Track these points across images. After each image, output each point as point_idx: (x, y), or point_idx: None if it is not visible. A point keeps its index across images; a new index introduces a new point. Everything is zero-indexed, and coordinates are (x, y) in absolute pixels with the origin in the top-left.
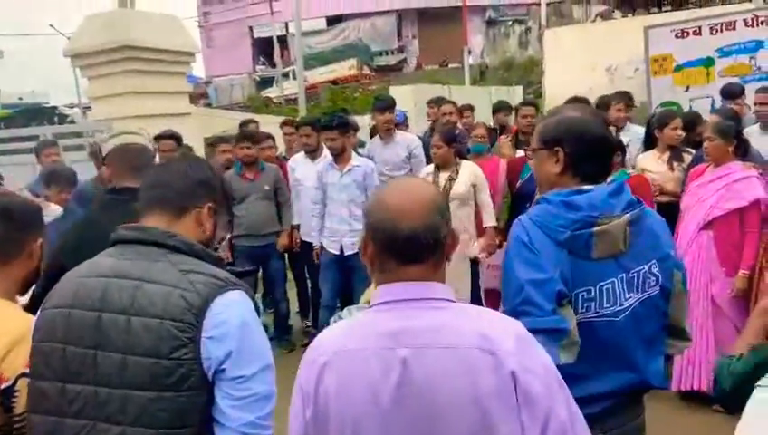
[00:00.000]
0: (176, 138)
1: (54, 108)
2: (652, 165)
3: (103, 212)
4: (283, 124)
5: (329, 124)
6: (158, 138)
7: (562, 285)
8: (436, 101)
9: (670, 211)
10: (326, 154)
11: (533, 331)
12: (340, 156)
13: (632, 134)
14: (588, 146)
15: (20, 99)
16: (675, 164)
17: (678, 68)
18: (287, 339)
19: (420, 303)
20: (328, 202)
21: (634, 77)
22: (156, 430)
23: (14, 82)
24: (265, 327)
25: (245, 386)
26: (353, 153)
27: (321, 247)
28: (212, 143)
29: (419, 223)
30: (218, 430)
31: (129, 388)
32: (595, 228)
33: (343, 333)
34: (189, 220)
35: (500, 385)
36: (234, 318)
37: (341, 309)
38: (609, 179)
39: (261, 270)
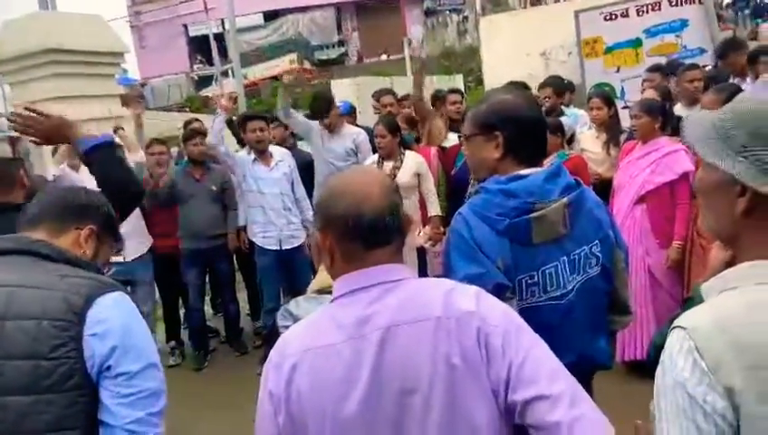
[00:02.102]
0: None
1: None
2: (590, 145)
3: None
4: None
5: (252, 115)
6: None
7: (502, 277)
8: (381, 93)
9: (603, 188)
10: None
11: None
12: (264, 151)
13: (569, 117)
14: (525, 129)
15: None
16: (611, 148)
17: (609, 50)
18: (239, 342)
19: (385, 286)
20: (261, 197)
21: (568, 61)
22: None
23: None
24: (216, 331)
25: (133, 383)
26: (273, 147)
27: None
28: (148, 145)
29: (383, 205)
30: (104, 432)
31: (5, 394)
32: (532, 214)
33: (309, 331)
34: (68, 239)
35: (468, 346)
36: (116, 317)
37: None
38: (548, 161)
39: (208, 273)
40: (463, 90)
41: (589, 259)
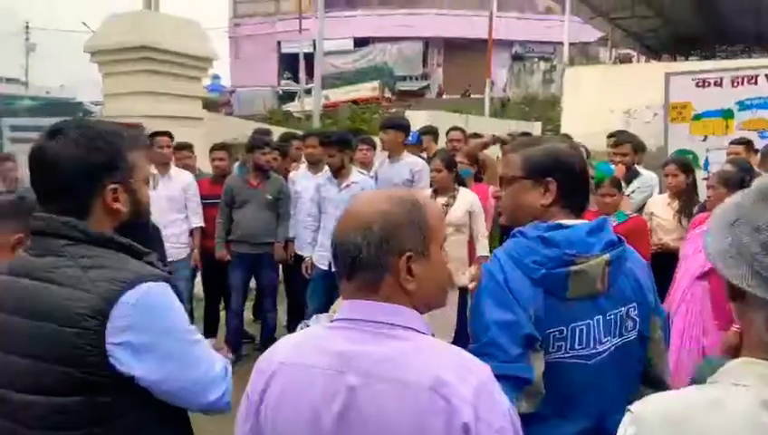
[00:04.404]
0: (170, 135)
1: (80, 103)
2: (660, 210)
3: None
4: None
5: (327, 139)
6: (152, 135)
7: (532, 328)
8: (426, 131)
9: (668, 258)
10: (327, 169)
11: (495, 376)
12: (338, 171)
13: (642, 180)
14: (577, 179)
15: (47, 92)
16: (683, 218)
17: (697, 117)
18: None
19: (374, 326)
20: (323, 217)
21: (652, 122)
22: (78, 431)
23: (45, 75)
24: (253, 338)
25: (164, 390)
26: (353, 170)
27: (312, 263)
28: (213, 148)
29: (338, 238)
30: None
31: (36, 393)
32: (571, 267)
33: (296, 345)
34: (97, 213)
35: (448, 433)
36: (139, 319)
37: None
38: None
39: (254, 279)
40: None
41: (625, 322)
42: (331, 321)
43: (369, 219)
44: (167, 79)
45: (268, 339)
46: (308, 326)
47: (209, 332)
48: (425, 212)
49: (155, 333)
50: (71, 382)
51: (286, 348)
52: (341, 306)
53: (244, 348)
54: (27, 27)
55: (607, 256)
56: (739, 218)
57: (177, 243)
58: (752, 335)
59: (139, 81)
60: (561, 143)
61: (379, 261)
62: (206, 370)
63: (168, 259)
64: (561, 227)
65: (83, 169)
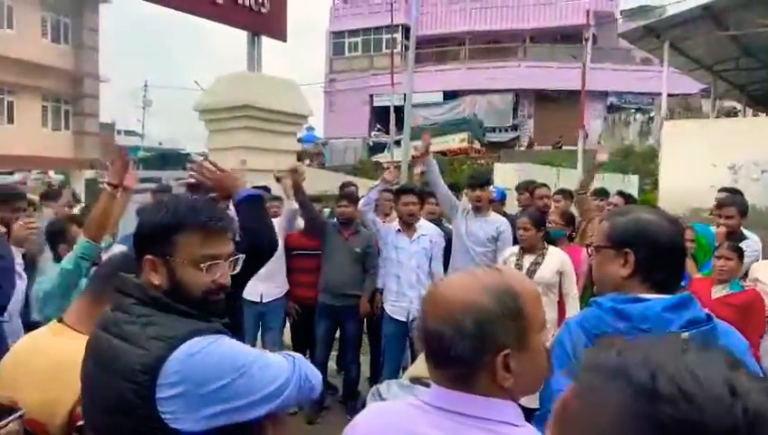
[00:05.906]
0: (267, 189)
1: (187, 155)
2: (766, 276)
3: None
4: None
5: (406, 189)
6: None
7: None
8: (526, 186)
9: None
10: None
11: None
12: (411, 223)
13: (748, 243)
14: (661, 253)
15: (159, 144)
16: None
17: None
18: (353, 405)
19: (464, 418)
20: (398, 266)
21: (761, 179)
22: None
23: (158, 128)
24: (336, 389)
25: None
26: (423, 222)
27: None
28: None
29: (428, 324)
30: None
31: None
32: None
33: (380, 422)
34: (143, 278)
35: None
36: (187, 373)
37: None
38: (721, 287)
39: (339, 330)
40: (637, 192)
41: None
42: (420, 398)
43: (460, 311)
44: (265, 135)
45: (350, 391)
46: (379, 393)
47: None
48: (521, 301)
49: (206, 385)
50: (125, 431)
51: (371, 424)
52: (435, 387)
53: (326, 400)
54: (146, 85)
55: (685, 335)
56: None
57: (272, 284)
58: None
59: (240, 136)
60: (655, 215)
61: (472, 358)
62: (267, 386)
63: (265, 299)
64: (639, 300)
65: (135, 235)
